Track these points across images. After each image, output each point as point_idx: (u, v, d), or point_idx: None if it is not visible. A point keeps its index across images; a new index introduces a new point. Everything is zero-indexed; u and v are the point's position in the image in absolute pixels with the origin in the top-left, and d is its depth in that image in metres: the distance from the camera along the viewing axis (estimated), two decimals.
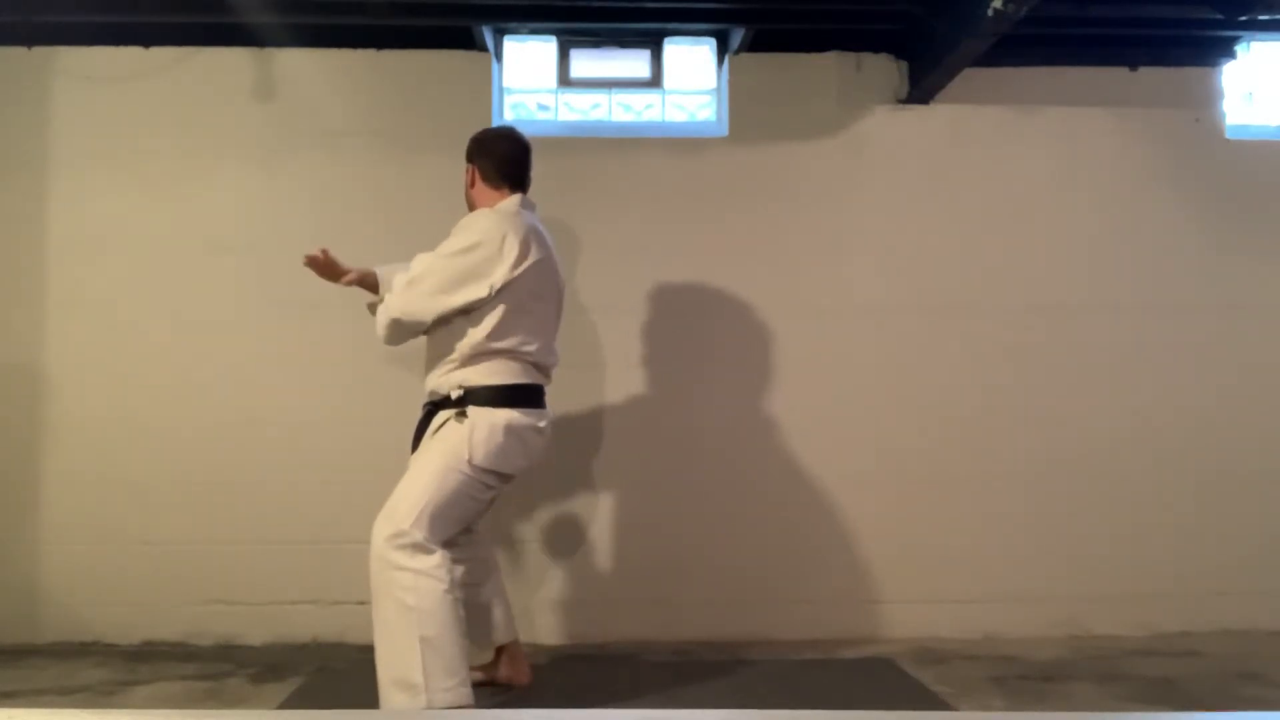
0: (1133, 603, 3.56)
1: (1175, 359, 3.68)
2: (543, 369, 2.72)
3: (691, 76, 3.79)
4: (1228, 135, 3.76)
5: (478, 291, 2.56)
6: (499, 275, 2.56)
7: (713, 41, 3.75)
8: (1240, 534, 3.63)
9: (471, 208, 2.80)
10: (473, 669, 2.60)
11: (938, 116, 3.69)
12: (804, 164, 3.67)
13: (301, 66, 3.58)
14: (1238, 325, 3.70)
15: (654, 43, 3.77)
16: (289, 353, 3.51)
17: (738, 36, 3.61)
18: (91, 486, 3.46)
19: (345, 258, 2.80)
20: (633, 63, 3.78)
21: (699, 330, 3.61)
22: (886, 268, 3.66)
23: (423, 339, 2.72)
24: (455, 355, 2.61)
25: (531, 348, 2.65)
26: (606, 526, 3.56)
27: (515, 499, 3.43)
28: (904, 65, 3.68)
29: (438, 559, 2.46)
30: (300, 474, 3.47)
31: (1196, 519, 3.63)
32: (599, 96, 3.78)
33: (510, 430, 2.58)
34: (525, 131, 2.87)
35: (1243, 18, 3.46)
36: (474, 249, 2.57)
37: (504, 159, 2.77)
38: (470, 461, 2.53)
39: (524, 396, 2.64)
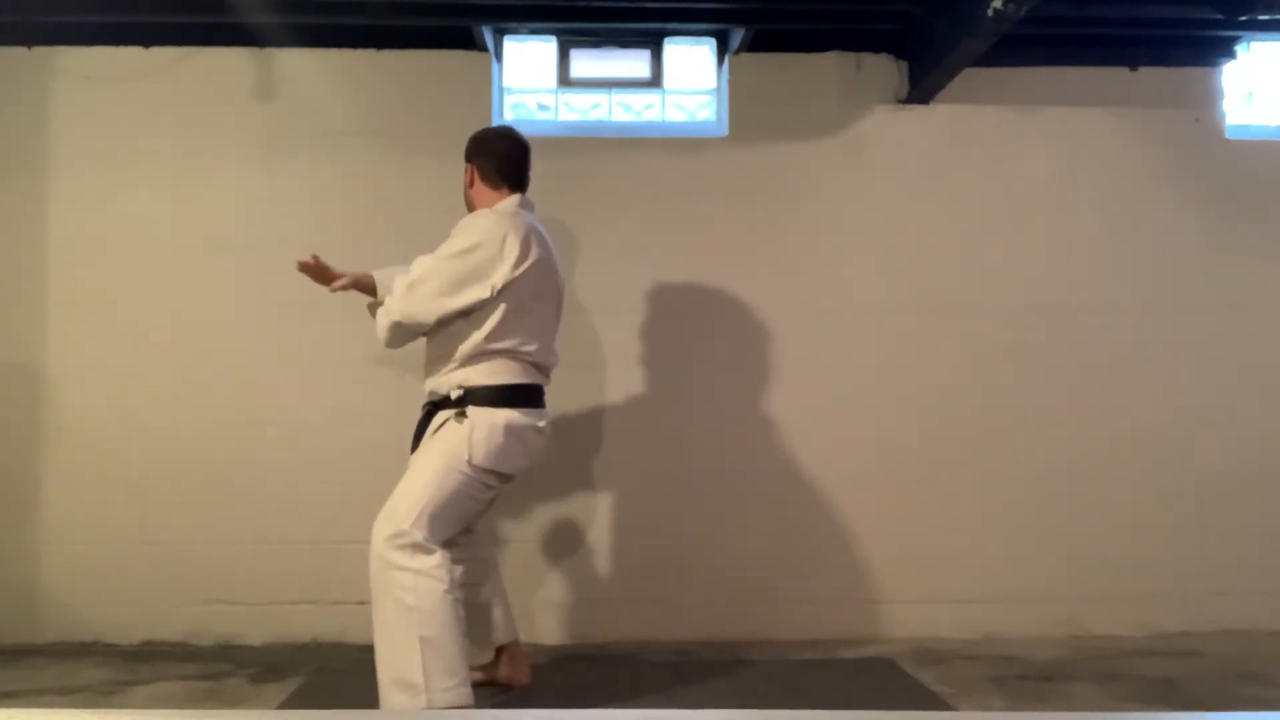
0: (1133, 603, 3.56)
1: (1175, 359, 3.68)
2: (542, 369, 2.72)
3: (691, 76, 3.79)
4: (1228, 135, 3.76)
5: (479, 293, 2.56)
6: (500, 276, 2.56)
7: (713, 41, 3.75)
8: (1240, 534, 3.63)
9: (470, 208, 2.80)
10: (473, 669, 2.60)
11: (938, 116, 3.69)
12: (804, 164, 3.67)
13: (301, 66, 3.58)
14: (1238, 325, 3.70)
15: (654, 43, 3.77)
16: (289, 353, 3.51)
17: (738, 36, 3.61)
18: (91, 486, 3.46)
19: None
20: (633, 63, 3.78)
21: (699, 330, 3.61)
22: (886, 268, 3.66)
23: (422, 340, 2.71)
24: (455, 355, 2.61)
25: (531, 348, 2.65)
26: (606, 526, 3.56)
27: (515, 499, 3.43)
28: (904, 65, 3.68)
29: (438, 559, 2.46)
30: (300, 474, 3.47)
31: (1196, 519, 3.63)
32: (599, 96, 3.78)
33: (510, 430, 2.58)
34: (525, 131, 2.87)
35: (1243, 18, 3.46)
36: (474, 250, 2.57)
37: (503, 159, 2.77)
38: (470, 461, 2.53)
39: (524, 396, 2.64)
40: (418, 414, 2.72)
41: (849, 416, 3.60)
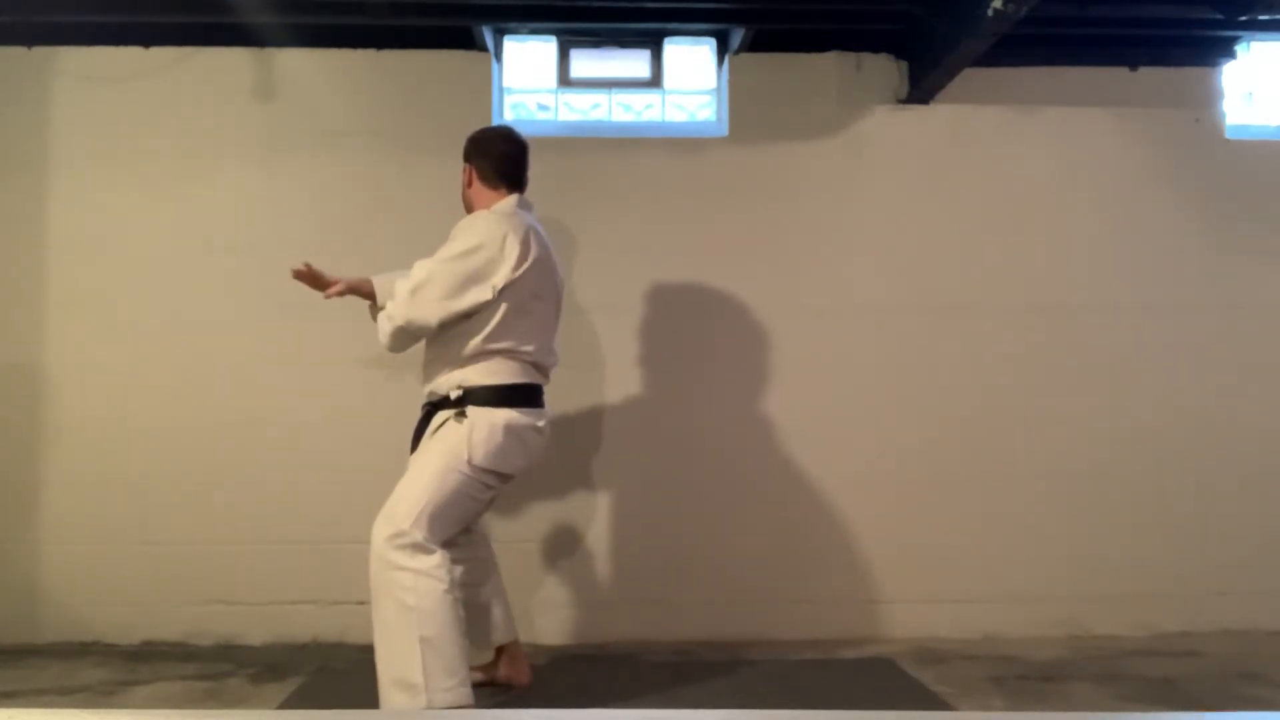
0: (1133, 603, 3.56)
1: (1175, 359, 3.67)
2: (541, 369, 2.72)
3: (691, 76, 3.79)
4: (1228, 135, 3.76)
5: (482, 294, 2.56)
6: (501, 277, 2.56)
7: (713, 41, 3.75)
8: (1240, 534, 3.63)
9: (468, 208, 2.80)
10: (473, 669, 2.60)
11: (938, 116, 3.69)
12: (804, 164, 3.67)
13: (301, 66, 3.58)
14: (1238, 325, 3.70)
15: (654, 43, 3.77)
16: (289, 353, 3.51)
17: (738, 36, 3.61)
18: (91, 486, 3.46)
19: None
20: (633, 63, 3.78)
21: (699, 330, 3.61)
22: (886, 268, 3.66)
23: (422, 340, 2.71)
24: (454, 356, 2.61)
25: (530, 347, 2.65)
26: (606, 526, 3.56)
27: (515, 499, 3.44)
28: (904, 65, 3.68)
29: (437, 559, 2.46)
30: (300, 474, 3.47)
31: (1196, 519, 3.63)
32: (599, 96, 3.78)
33: (509, 430, 2.58)
34: (525, 131, 2.87)
35: (1243, 18, 3.46)
36: (475, 252, 2.57)
37: (501, 159, 2.77)
38: (469, 461, 2.53)
39: (523, 396, 2.64)
40: (417, 414, 2.72)
41: (849, 416, 3.60)
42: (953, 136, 3.69)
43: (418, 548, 2.45)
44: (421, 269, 2.59)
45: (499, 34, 3.68)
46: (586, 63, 3.77)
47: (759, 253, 3.63)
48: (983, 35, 3.13)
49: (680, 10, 3.54)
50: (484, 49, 3.61)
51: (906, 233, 3.66)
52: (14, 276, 3.52)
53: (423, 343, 2.71)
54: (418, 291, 2.56)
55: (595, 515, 3.56)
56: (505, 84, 3.75)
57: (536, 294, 2.67)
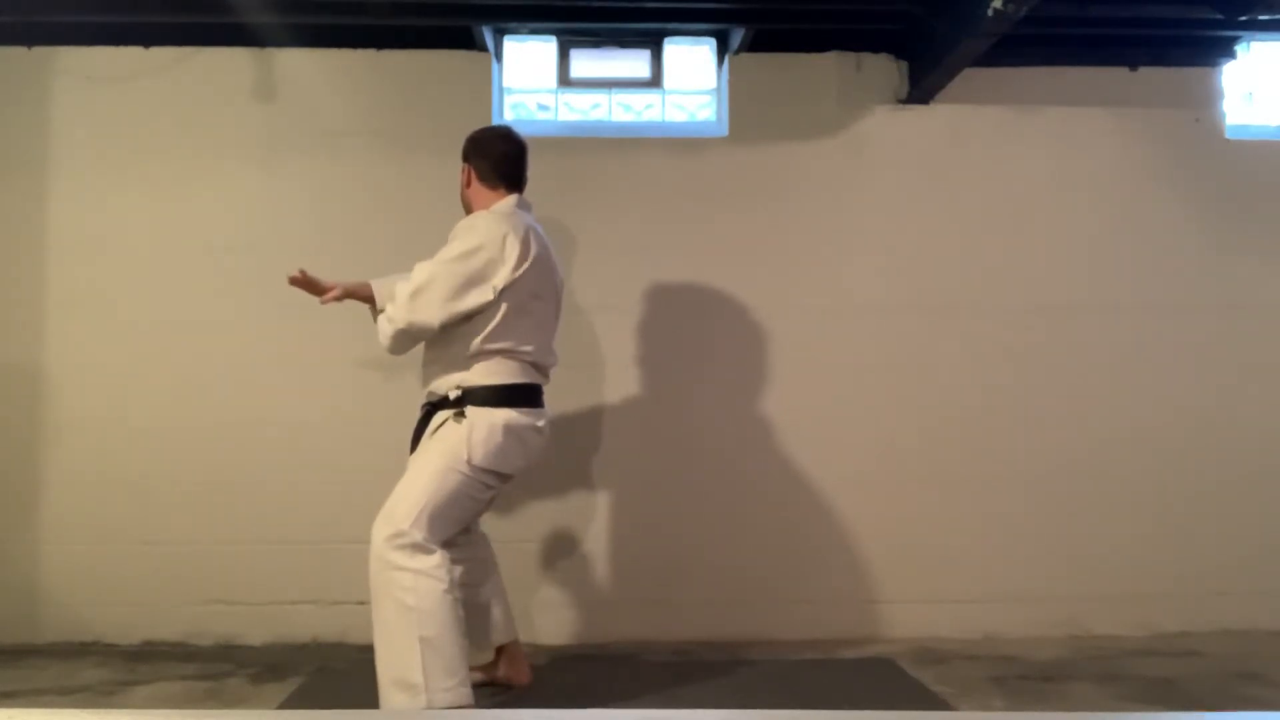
0: (1133, 603, 3.56)
1: (1175, 359, 3.68)
2: (541, 369, 2.72)
3: (691, 76, 3.79)
4: (1228, 135, 3.76)
5: (483, 295, 2.55)
6: (501, 277, 2.56)
7: (713, 41, 3.75)
8: (1240, 534, 3.63)
9: (467, 208, 2.80)
10: (472, 669, 2.60)
11: (938, 116, 3.69)
12: (804, 164, 3.67)
13: (301, 66, 3.58)
14: (1238, 325, 3.70)
15: (654, 43, 3.77)
16: (289, 353, 3.51)
17: (738, 36, 3.61)
18: (91, 486, 3.46)
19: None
20: (633, 63, 3.78)
21: (699, 330, 3.61)
22: (886, 268, 3.66)
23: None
24: (453, 356, 2.61)
25: (530, 347, 2.65)
26: (606, 526, 3.56)
27: (515, 499, 3.44)
28: (904, 65, 3.68)
29: (437, 559, 2.46)
30: (300, 474, 3.47)
31: (1196, 519, 3.63)
32: (599, 96, 3.78)
33: (509, 430, 2.58)
34: (525, 131, 2.87)
35: (1243, 18, 3.46)
36: (476, 252, 2.57)
37: (500, 159, 2.76)
38: (469, 461, 2.53)
39: (522, 396, 2.64)
40: (417, 414, 2.72)
41: (849, 416, 3.60)
42: (953, 136, 3.69)
43: (417, 548, 2.45)
44: (422, 271, 2.59)
45: (499, 34, 3.68)
46: (586, 63, 3.77)
47: (759, 253, 3.63)
48: (983, 35, 3.13)
49: (680, 10, 3.54)
50: (484, 49, 3.61)
51: (906, 233, 3.66)
52: (14, 276, 3.52)
53: (422, 343, 2.71)
54: (419, 294, 2.56)
55: (595, 515, 3.56)
56: (505, 84, 3.75)
57: (536, 294, 2.67)
